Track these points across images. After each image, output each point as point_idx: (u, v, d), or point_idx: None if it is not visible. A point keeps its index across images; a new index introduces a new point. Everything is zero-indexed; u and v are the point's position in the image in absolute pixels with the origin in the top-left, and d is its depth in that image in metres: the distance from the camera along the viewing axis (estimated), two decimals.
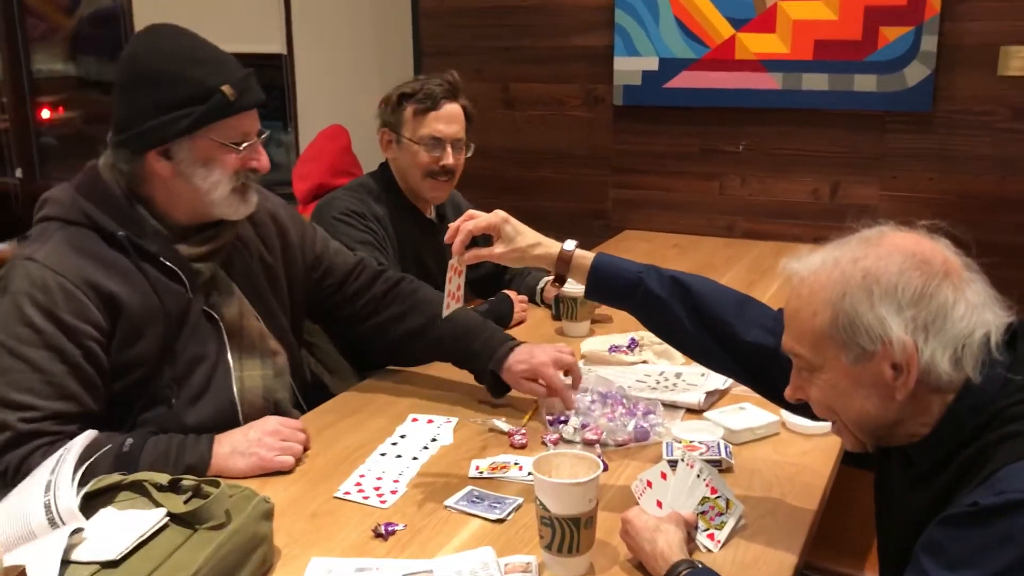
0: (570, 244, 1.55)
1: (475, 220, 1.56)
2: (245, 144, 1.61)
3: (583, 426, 1.72)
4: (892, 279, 1.07)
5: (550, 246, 1.56)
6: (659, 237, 3.41)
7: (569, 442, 1.70)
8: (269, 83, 4.73)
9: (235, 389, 1.68)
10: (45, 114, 4.88)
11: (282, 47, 4.41)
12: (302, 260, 1.91)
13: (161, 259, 1.60)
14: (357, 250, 2.12)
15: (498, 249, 1.56)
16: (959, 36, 2.98)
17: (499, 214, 1.57)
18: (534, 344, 1.88)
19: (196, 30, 1.64)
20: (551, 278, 2.44)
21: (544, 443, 1.69)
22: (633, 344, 2.13)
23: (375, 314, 1.96)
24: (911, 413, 1.10)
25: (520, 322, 2.39)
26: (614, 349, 2.12)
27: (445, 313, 1.63)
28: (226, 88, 1.55)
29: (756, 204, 3.41)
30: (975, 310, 1.07)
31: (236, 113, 1.58)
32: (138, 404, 1.60)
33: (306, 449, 1.65)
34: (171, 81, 1.55)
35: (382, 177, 2.32)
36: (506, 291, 2.41)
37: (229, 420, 1.66)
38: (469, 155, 2.33)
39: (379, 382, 2.04)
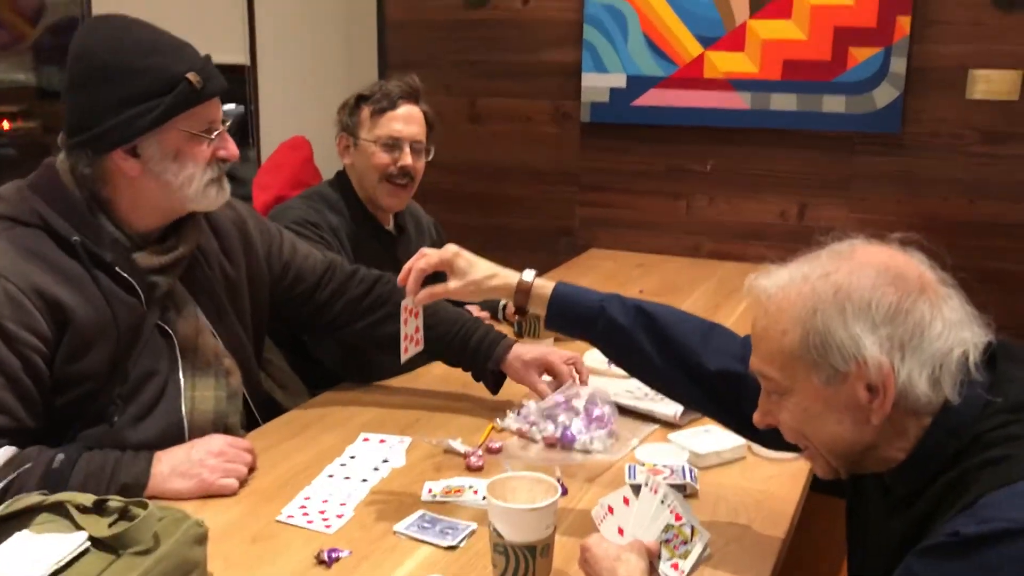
0: (528, 274, 1.48)
1: (426, 258, 1.51)
2: (215, 133, 1.53)
3: (519, 413, 1.76)
4: (865, 295, 1.01)
5: (507, 276, 1.49)
6: (624, 256, 3.36)
7: (504, 429, 1.75)
8: (232, 96, 4.65)
9: (184, 409, 1.57)
10: (4, 125, 4.75)
11: (246, 58, 4.33)
12: (268, 272, 1.83)
13: (116, 269, 1.49)
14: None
15: (452, 284, 1.50)
16: (928, 58, 2.97)
17: (450, 248, 1.52)
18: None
19: None
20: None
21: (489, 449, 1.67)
22: None
23: (357, 319, 1.89)
24: (887, 437, 1.04)
25: None
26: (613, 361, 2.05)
27: (404, 358, 1.57)
28: (192, 76, 1.46)
29: (723, 224, 3.37)
30: (952, 327, 1.01)
31: (204, 101, 1.50)
32: (79, 421, 1.49)
33: (252, 470, 1.56)
34: (132, 73, 1.45)
35: (339, 185, 2.24)
36: (468, 307, 2.33)
37: (174, 442, 1.55)
38: (429, 159, 2.25)
39: (332, 398, 1.95)
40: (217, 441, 1.51)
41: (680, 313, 1.44)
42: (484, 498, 1.24)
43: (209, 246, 1.69)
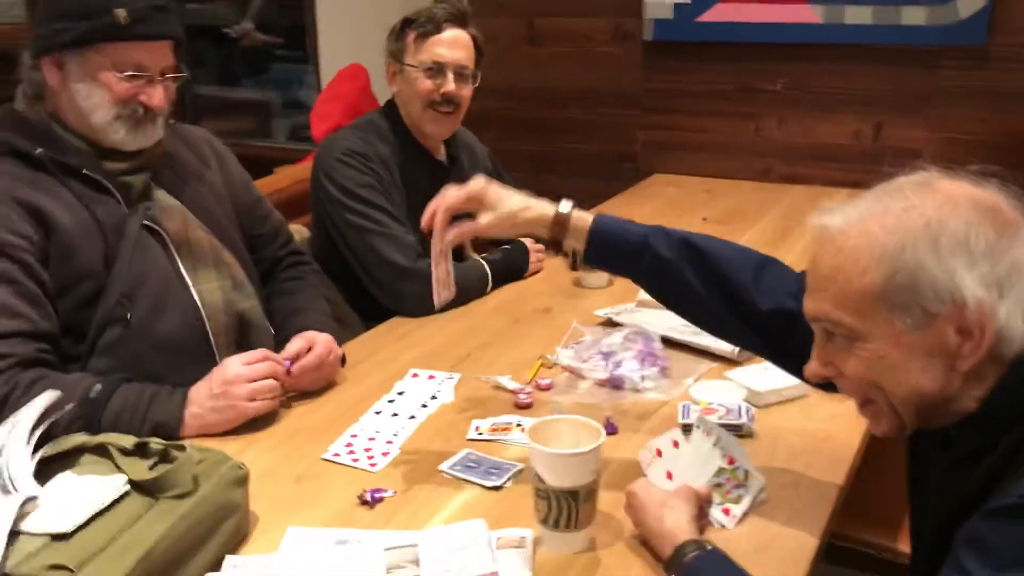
0: (565, 205, 1.36)
1: (452, 195, 1.39)
2: (132, 75, 1.54)
3: (571, 348, 1.72)
4: (961, 228, 0.91)
5: (542, 208, 1.37)
6: (690, 181, 3.24)
7: (554, 365, 1.73)
8: (291, 21, 4.59)
9: (198, 301, 1.61)
10: None
11: None
12: (246, 195, 1.86)
13: (85, 172, 1.55)
14: (360, 193, 2.01)
15: (484, 220, 1.37)
16: None
17: (478, 182, 1.39)
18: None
19: None
20: None
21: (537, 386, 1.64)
22: None
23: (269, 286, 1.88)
24: (967, 388, 0.95)
25: (536, 272, 2.26)
26: None
27: (437, 304, 1.50)
28: (120, 11, 1.50)
29: (794, 146, 3.21)
30: None
31: (126, 39, 1.52)
32: (93, 325, 1.52)
33: (284, 379, 1.54)
34: None
35: (389, 115, 2.18)
36: (521, 238, 2.28)
37: (199, 333, 1.61)
38: (476, 85, 2.17)
39: (383, 334, 1.94)
40: (232, 366, 1.49)
41: (731, 246, 1.34)
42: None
43: (182, 154, 1.74)
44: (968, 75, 2.89)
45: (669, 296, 1.37)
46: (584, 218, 1.35)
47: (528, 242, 2.26)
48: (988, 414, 0.95)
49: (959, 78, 2.90)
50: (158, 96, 1.58)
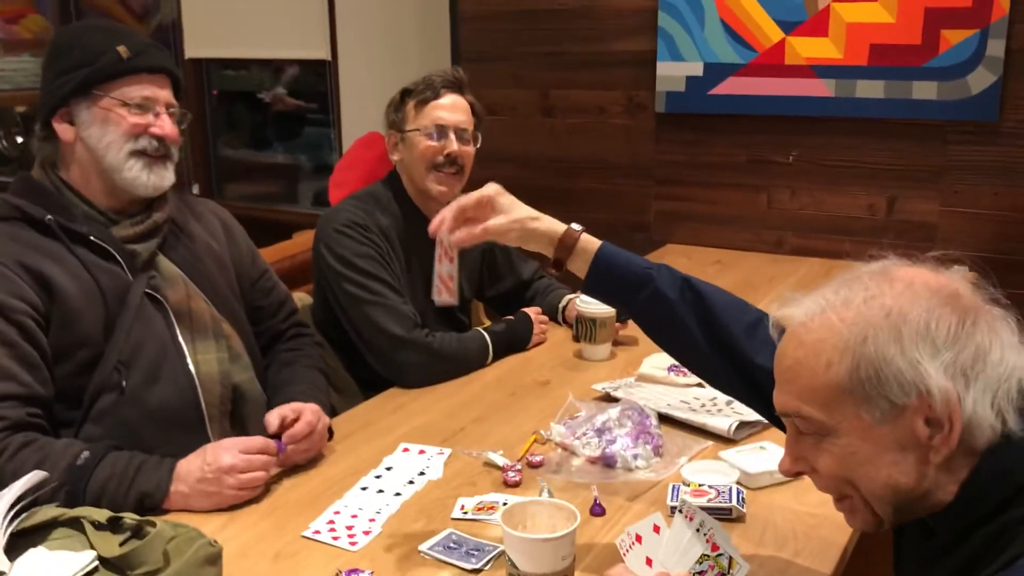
0: (577, 226, 1.39)
1: (466, 196, 1.41)
2: (141, 105, 1.59)
3: (570, 430, 1.68)
4: (923, 316, 0.90)
5: (552, 222, 1.39)
6: (701, 252, 3.23)
7: (548, 441, 1.69)
8: (314, 89, 4.70)
9: (193, 372, 1.62)
10: None
11: (327, 54, 4.36)
12: (251, 267, 1.88)
13: (93, 239, 1.57)
14: (359, 264, 2.02)
15: (493, 221, 1.38)
16: None
17: (492, 186, 1.41)
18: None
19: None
20: (574, 296, 2.34)
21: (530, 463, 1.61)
22: None
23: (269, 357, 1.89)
24: (942, 480, 0.92)
25: (539, 343, 2.25)
26: (674, 369, 1.97)
27: (437, 300, 1.52)
28: (120, 48, 1.57)
29: (806, 218, 3.20)
30: (1010, 351, 0.90)
31: (130, 73, 1.58)
32: (88, 391, 1.53)
33: (278, 465, 1.54)
34: (70, 48, 1.60)
35: (391, 185, 2.20)
36: (525, 309, 2.28)
37: (191, 403, 1.62)
38: (477, 146, 2.20)
39: (378, 406, 1.93)
40: (228, 454, 1.46)
41: (730, 297, 1.35)
42: None
43: (190, 225, 1.77)
44: (980, 150, 2.87)
45: (663, 333, 1.37)
46: (592, 241, 1.37)
47: (532, 312, 2.26)
48: (961, 507, 0.92)
49: (971, 153, 2.89)
50: (168, 124, 1.62)
